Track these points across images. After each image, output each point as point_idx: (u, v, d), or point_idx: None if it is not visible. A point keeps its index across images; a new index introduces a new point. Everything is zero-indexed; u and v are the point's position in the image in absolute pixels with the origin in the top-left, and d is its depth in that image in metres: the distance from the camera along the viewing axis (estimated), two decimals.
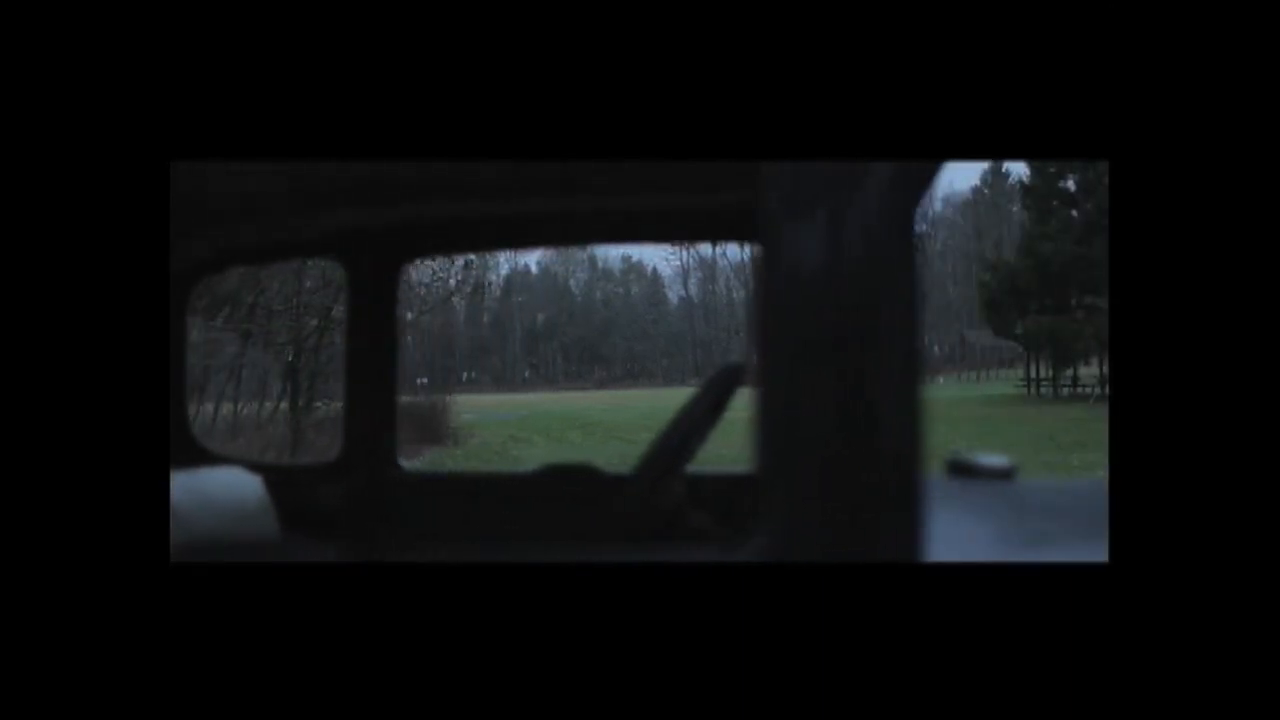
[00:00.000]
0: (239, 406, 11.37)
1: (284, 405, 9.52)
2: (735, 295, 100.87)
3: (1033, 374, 33.78)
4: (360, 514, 1.70)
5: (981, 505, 0.76)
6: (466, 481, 2.02)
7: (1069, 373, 32.27)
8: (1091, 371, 32.11)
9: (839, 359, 0.51)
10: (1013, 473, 0.84)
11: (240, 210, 1.55)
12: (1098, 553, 0.62)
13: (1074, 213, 30.02)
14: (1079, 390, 30.46)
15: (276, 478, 1.61)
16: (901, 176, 0.53)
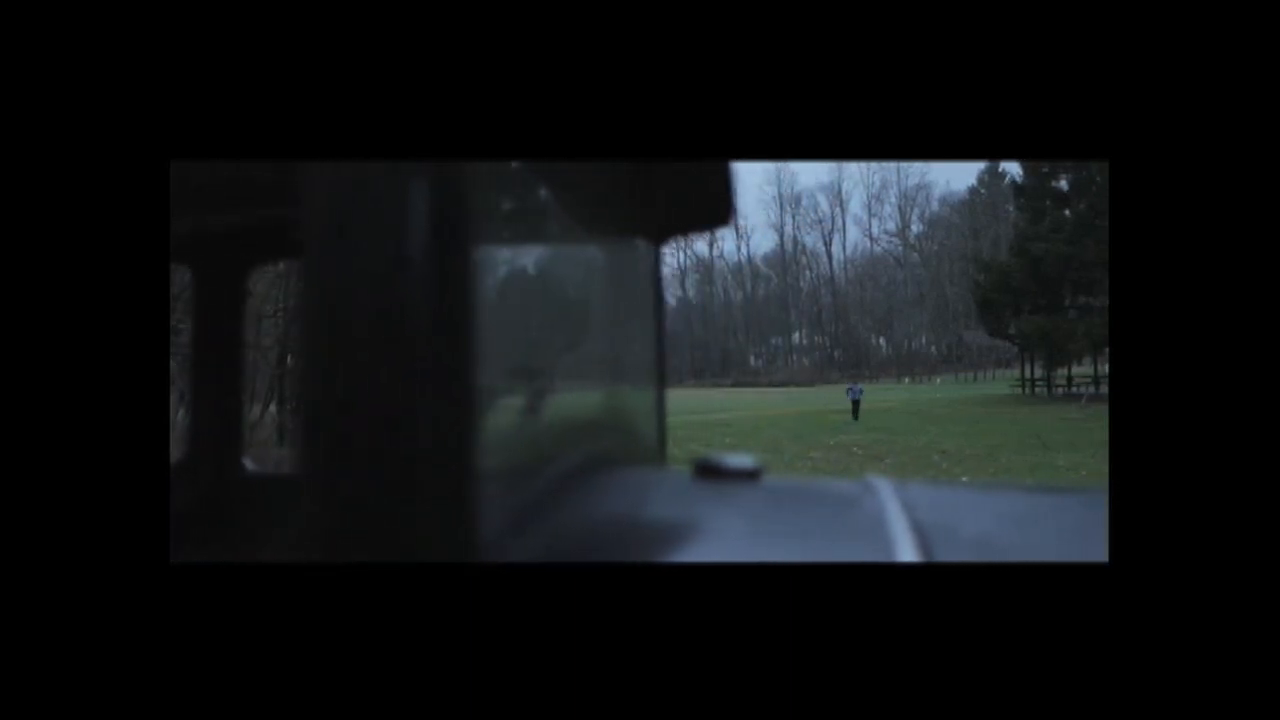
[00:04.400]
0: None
1: (272, 408, 9.49)
2: (733, 296, 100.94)
3: (1028, 374, 33.86)
4: (201, 516, 1.73)
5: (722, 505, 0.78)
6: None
7: (1063, 372, 32.35)
8: (1086, 371, 32.20)
9: (378, 365, 0.52)
10: (759, 473, 0.85)
11: None
12: (785, 552, 0.64)
13: (1067, 212, 30.09)
14: (1074, 390, 30.53)
15: None
16: (449, 188, 0.54)
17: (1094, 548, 0.64)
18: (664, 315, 1.21)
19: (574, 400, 0.88)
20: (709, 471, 0.84)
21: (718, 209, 1.13)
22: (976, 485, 0.87)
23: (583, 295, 0.94)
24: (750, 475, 0.84)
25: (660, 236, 1.20)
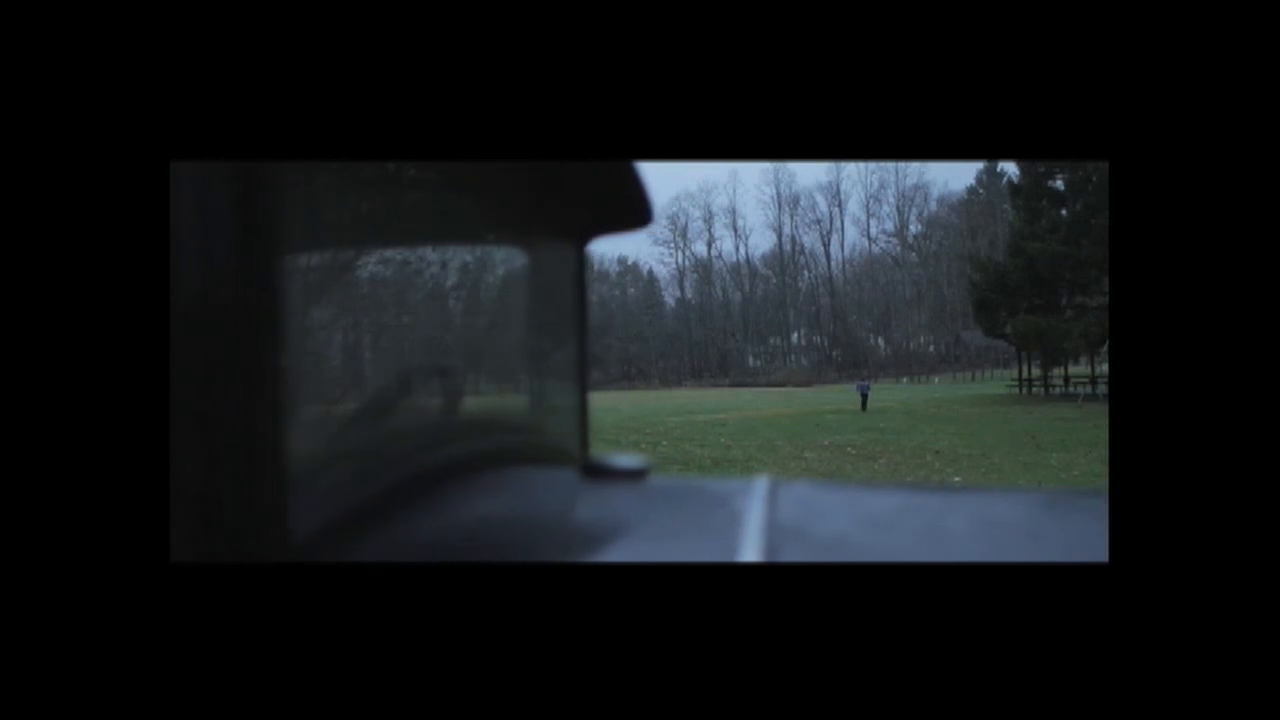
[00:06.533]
0: None
1: None
2: (731, 297, 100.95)
3: (1025, 374, 33.89)
4: None
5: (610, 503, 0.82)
6: None
7: (1059, 372, 32.41)
8: (1082, 371, 32.25)
9: (194, 362, 0.53)
10: (645, 473, 0.88)
11: None
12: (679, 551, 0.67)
13: (1063, 212, 30.12)
14: (1070, 390, 30.60)
15: None
16: (256, 190, 0.55)
17: (947, 549, 0.66)
18: (587, 316, 1.23)
19: (469, 401, 0.89)
20: (597, 471, 0.87)
21: (634, 210, 1.14)
22: (853, 487, 0.89)
23: (490, 296, 0.95)
24: (636, 475, 0.87)
25: (581, 238, 1.21)
